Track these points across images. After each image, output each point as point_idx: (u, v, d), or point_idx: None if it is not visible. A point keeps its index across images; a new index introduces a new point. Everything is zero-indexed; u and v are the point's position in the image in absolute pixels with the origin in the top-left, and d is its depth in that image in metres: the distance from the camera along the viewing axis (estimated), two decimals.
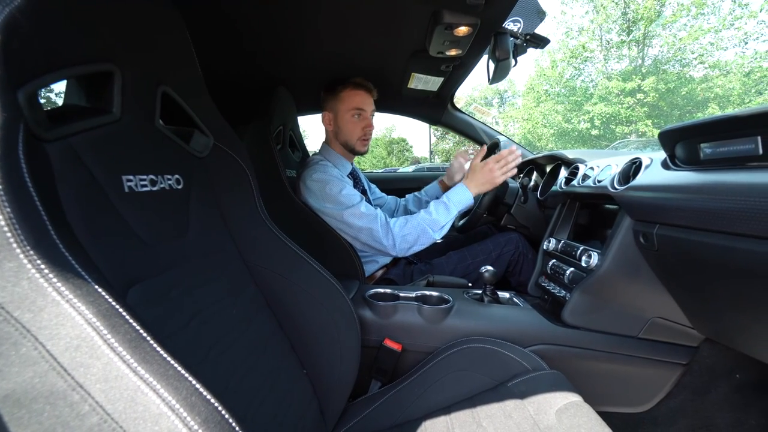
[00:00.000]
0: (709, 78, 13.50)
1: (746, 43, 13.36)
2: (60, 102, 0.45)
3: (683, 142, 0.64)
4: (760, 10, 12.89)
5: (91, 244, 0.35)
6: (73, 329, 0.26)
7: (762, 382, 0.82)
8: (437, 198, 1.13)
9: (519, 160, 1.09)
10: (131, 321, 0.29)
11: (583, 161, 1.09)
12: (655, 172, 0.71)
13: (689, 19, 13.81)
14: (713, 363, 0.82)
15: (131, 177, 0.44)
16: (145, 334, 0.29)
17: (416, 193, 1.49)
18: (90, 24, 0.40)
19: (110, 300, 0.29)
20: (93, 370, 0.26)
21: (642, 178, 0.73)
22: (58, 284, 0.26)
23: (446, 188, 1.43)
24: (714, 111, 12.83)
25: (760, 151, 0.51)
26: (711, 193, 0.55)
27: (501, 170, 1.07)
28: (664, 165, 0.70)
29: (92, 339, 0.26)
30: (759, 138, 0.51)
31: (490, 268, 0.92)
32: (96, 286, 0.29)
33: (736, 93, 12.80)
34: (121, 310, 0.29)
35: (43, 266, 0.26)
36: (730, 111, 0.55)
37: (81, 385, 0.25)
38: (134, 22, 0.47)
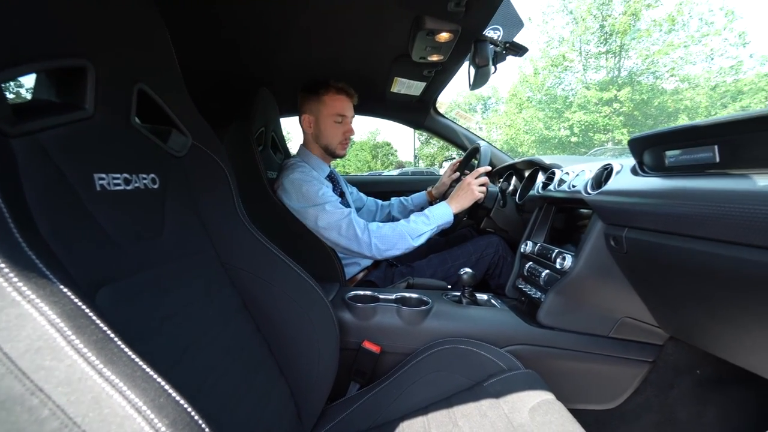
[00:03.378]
0: (680, 90, 14.26)
1: (712, 58, 14.19)
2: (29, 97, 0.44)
3: (650, 150, 0.68)
4: (724, 29, 13.74)
5: (58, 244, 0.34)
6: (35, 331, 0.25)
7: (719, 377, 0.86)
8: (422, 208, 1.18)
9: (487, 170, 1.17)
10: (98, 322, 0.28)
11: (559, 167, 1.13)
12: (625, 178, 0.74)
13: (662, 34, 14.54)
14: (677, 360, 0.86)
15: (103, 175, 0.42)
16: (112, 335, 0.28)
17: (402, 199, 1.51)
18: (61, 17, 0.39)
19: (76, 300, 0.28)
20: (55, 372, 0.25)
21: (612, 184, 0.76)
22: (19, 284, 0.26)
23: (433, 199, 1.46)
24: (684, 122, 13.50)
25: (717, 159, 0.54)
26: (674, 198, 0.59)
27: (478, 185, 1.13)
28: (633, 171, 0.73)
29: (55, 340, 0.25)
30: (716, 147, 0.54)
31: (468, 270, 0.94)
32: (61, 286, 0.28)
33: (703, 105, 13.54)
34: (87, 310, 0.28)
35: (2, 265, 0.25)
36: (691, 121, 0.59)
37: (41, 389, 0.24)
38: (110, 17, 0.46)
